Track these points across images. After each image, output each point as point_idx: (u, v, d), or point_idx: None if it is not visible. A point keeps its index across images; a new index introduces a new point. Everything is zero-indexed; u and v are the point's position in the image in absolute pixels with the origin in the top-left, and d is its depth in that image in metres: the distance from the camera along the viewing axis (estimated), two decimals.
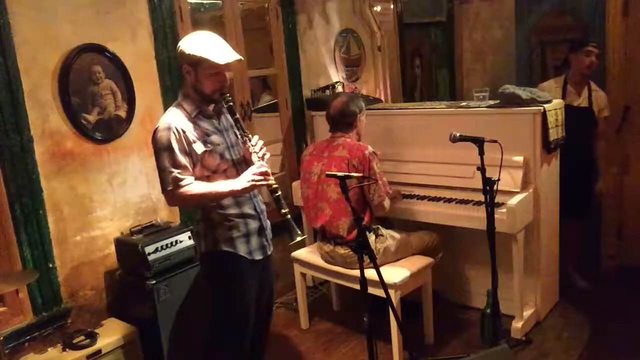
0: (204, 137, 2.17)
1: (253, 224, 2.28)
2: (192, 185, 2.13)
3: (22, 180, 2.47)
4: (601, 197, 3.60)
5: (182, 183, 2.11)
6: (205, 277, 2.38)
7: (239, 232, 2.24)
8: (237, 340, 2.29)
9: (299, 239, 2.17)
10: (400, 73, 4.99)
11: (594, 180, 3.56)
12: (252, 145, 2.21)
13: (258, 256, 2.30)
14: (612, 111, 3.72)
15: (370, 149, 2.88)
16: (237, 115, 2.24)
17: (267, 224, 2.38)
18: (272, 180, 2.16)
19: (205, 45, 2.12)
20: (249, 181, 2.13)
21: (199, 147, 2.14)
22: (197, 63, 2.12)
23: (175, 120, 2.13)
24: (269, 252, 2.39)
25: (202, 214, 2.25)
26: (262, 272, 2.37)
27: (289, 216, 2.15)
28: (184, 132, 2.11)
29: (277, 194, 2.17)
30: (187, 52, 2.12)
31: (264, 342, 2.56)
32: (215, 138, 2.20)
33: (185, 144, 2.11)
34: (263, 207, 2.37)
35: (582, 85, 3.48)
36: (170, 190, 2.12)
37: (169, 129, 2.09)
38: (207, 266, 2.34)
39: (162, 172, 2.12)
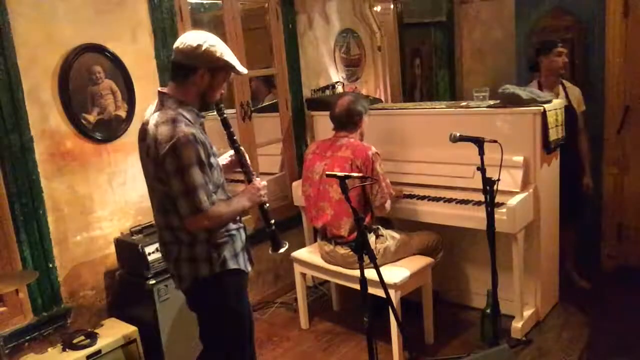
0: (211, 149, 1.99)
1: (244, 235, 2.18)
2: (221, 204, 1.96)
3: (22, 180, 2.47)
4: (588, 190, 3.59)
5: (215, 200, 1.92)
6: (207, 302, 2.11)
7: (239, 247, 2.11)
8: (242, 355, 2.21)
9: (282, 250, 2.18)
10: (400, 73, 5.00)
11: (582, 177, 3.57)
12: (247, 160, 2.15)
13: (249, 268, 2.20)
14: (612, 111, 3.73)
15: (373, 149, 2.88)
16: (232, 129, 2.11)
17: None
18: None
19: (228, 50, 1.97)
20: (258, 196, 2.08)
21: (213, 161, 1.97)
22: (221, 68, 1.94)
23: (195, 130, 1.88)
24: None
25: (206, 236, 2.00)
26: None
27: (274, 227, 2.15)
28: (203, 144, 1.89)
29: (266, 206, 2.14)
30: (217, 54, 1.91)
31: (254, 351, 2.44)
32: (214, 150, 2.03)
33: (207, 157, 1.91)
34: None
35: (556, 85, 3.50)
36: (207, 209, 1.87)
37: (195, 141, 1.84)
38: (211, 291, 2.07)
39: (194, 191, 1.84)
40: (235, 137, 2.12)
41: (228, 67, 1.97)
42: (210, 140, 2.05)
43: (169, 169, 1.86)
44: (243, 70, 2.02)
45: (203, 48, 1.90)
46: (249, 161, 2.18)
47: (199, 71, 1.92)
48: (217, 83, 1.98)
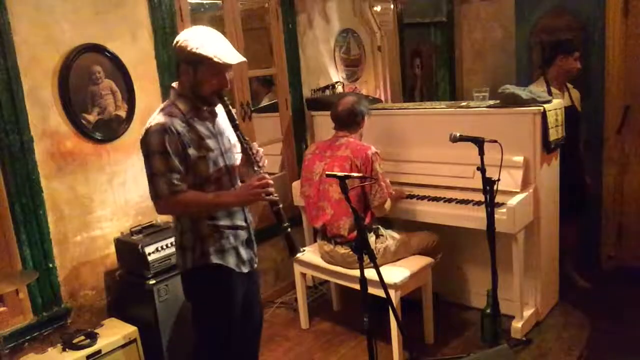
0: (199, 142, 2.01)
1: (243, 236, 2.17)
2: (188, 194, 1.98)
3: (22, 180, 2.47)
4: (590, 188, 3.61)
5: (178, 189, 1.95)
6: (192, 292, 2.20)
7: (230, 244, 2.11)
8: (222, 355, 2.20)
9: (299, 255, 2.15)
10: (400, 73, 4.99)
11: (584, 176, 3.59)
12: (253, 154, 2.08)
13: (246, 269, 2.19)
14: (612, 111, 3.73)
15: (373, 149, 2.89)
16: (237, 122, 2.10)
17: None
18: (273, 193, 2.04)
19: (209, 43, 1.96)
20: (250, 194, 2.03)
21: (192, 152, 1.98)
22: (199, 62, 1.95)
23: (170, 120, 1.95)
24: (255, 265, 2.28)
25: (190, 225, 2.07)
26: (249, 285, 2.26)
27: (289, 230, 2.07)
28: (179, 134, 1.95)
29: (277, 207, 2.06)
30: (188, 49, 1.94)
31: (257, 355, 2.46)
32: (210, 143, 2.05)
33: (180, 148, 1.95)
34: (251, 218, 2.26)
35: (563, 84, 3.51)
36: (165, 197, 1.95)
37: (164, 130, 1.93)
38: (194, 281, 2.15)
39: (154, 177, 1.95)
40: (239, 132, 2.09)
41: (206, 60, 1.95)
42: (211, 132, 2.07)
43: (142, 154, 2.01)
44: (228, 60, 1.97)
45: (178, 44, 1.99)
46: (257, 156, 2.10)
47: (181, 66, 2.02)
48: (202, 76, 1.99)
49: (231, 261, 2.12)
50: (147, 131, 1.97)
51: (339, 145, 2.95)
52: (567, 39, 3.73)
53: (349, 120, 2.99)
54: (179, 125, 1.97)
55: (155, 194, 1.99)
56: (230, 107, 2.11)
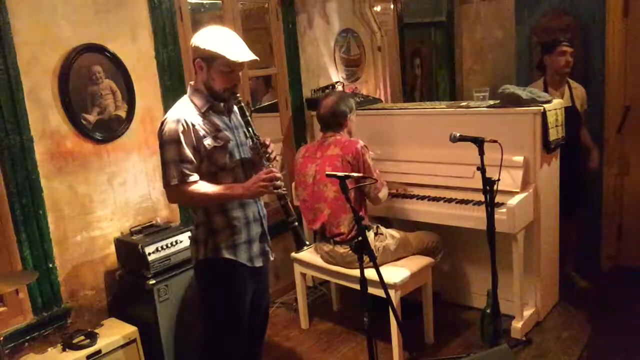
0: (215, 132, 2.09)
1: (255, 229, 2.21)
2: (199, 184, 2.05)
3: (22, 180, 2.47)
4: (595, 165, 3.60)
5: (189, 179, 2.03)
6: (202, 285, 2.26)
7: (242, 239, 2.15)
8: (231, 347, 2.23)
9: (305, 248, 2.16)
10: (400, 73, 4.99)
11: (585, 174, 3.58)
12: (264, 148, 2.13)
13: (259, 263, 2.23)
14: (612, 111, 3.72)
15: (361, 142, 2.89)
16: (249, 117, 2.16)
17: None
18: (281, 187, 2.07)
19: (221, 41, 2.06)
20: (258, 186, 2.06)
21: (208, 142, 2.06)
22: (211, 59, 2.05)
23: (185, 113, 2.06)
24: (272, 258, 2.32)
25: (204, 218, 2.15)
26: (260, 279, 2.30)
27: (296, 224, 2.10)
28: (193, 125, 2.04)
29: (284, 201, 2.09)
30: (201, 47, 2.05)
31: (261, 349, 2.50)
32: (226, 134, 2.13)
33: (193, 138, 2.04)
34: (265, 211, 2.30)
35: (562, 84, 3.49)
36: (175, 185, 2.03)
37: (178, 121, 2.02)
38: (205, 274, 2.22)
39: (166, 165, 2.04)
40: (250, 128, 2.16)
41: (217, 57, 2.04)
42: (227, 125, 2.16)
43: (158, 144, 2.10)
44: (237, 58, 2.06)
45: (193, 43, 2.10)
46: (268, 150, 2.15)
47: (196, 63, 2.11)
48: (215, 72, 2.08)
49: (243, 256, 2.17)
50: (163, 122, 2.07)
51: (328, 145, 2.95)
52: (548, 40, 3.70)
53: (332, 122, 2.99)
54: (194, 117, 2.07)
55: (166, 182, 2.06)
56: (243, 104, 2.18)
